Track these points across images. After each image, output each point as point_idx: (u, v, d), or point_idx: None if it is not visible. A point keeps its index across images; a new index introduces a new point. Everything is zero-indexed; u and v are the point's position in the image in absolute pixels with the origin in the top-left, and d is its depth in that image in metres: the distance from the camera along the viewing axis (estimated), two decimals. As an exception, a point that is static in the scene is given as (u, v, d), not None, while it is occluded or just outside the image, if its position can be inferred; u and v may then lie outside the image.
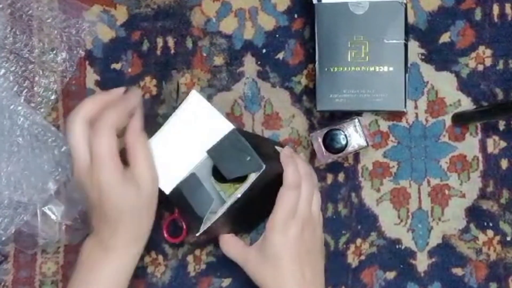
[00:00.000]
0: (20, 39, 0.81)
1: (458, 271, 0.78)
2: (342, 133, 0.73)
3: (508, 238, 0.77)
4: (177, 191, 0.67)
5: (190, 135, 0.68)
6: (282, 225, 0.68)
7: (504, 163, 0.78)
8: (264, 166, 0.65)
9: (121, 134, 0.65)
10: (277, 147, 0.74)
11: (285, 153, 0.71)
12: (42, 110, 0.81)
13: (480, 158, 0.78)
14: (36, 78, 0.82)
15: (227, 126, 0.67)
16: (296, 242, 0.69)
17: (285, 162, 0.70)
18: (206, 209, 0.66)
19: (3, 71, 0.80)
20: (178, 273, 0.81)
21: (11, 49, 0.80)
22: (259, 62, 0.81)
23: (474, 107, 0.78)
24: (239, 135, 0.66)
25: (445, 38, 0.79)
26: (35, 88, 0.82)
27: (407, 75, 0.75)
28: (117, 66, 0.83)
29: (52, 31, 0.81)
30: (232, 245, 0.74)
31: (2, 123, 0.77)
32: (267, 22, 0.81)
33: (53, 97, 0.82)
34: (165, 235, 0.79)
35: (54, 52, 0.82)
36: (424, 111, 0.79)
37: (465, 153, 0.78)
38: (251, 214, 0.75)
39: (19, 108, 0.79)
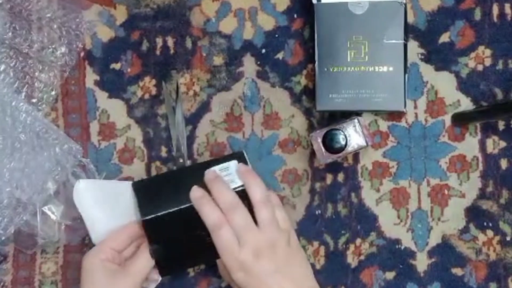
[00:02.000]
0: (20, 34, 0.81)
1: (457, 271, 0.78)
2: (342, 133, 0.73)
3: (508, 238, 0.77)
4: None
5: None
6: (235, 265, 0.66)
7: (503, 163, 0.78)
8: (140, 216, 0.70)
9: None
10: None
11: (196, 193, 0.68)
12: (43, 106, 0.81)
13: (480, 158, 0.78)
14: (36, 73, 0.82)
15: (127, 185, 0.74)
16: (266, 267, 0.66)
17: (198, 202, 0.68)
18: None
19: (3, 66, 0.80)
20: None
21: (10, 44, 0.80)
22: (258, 62, 0.81)
23: (474, 107, 0.78)
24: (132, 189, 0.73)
25: (444, 38, 0.79)
26: (36, 84, 0.81)
27: (406, 75, 0.75)
28: (116, 66, 0.83)
29: (52, 25, 0.81)
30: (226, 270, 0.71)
31: (4, 119, 0.77)
32: (267, 22, 0.81)
33: (53, 92, 0.82)
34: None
35: (54, 46, 0.82)
36: (424, 111, 0.79)
37: (464, 153, 0.78)
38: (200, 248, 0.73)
39: (21, 104, 0.79)
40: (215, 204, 0.67)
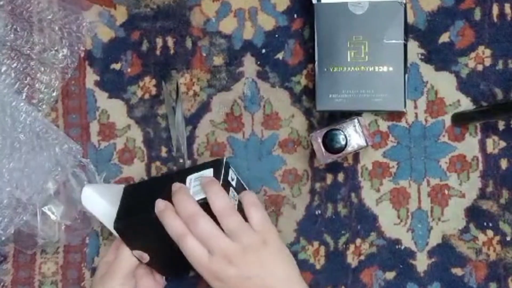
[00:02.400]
0: (21, 36, 0.81)
1: (457, 271, 0.78)
2: (342, 133, 0.73)
3: (508, 238, 0.77)
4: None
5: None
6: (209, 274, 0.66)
7: (503, 163, 0.78)
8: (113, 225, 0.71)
9: None
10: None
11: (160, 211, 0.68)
12: (43, 107, 0.81)
13: (480, 158, 0.78)
14: (38, 75, 0.82)
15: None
16: (241, 273, 0.65)
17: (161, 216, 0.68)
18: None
19: (4, 68, 0.80)
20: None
21: (12, 46, 0.80)
22: (258, 62, 0.81)
23: (474, 107, 0.78)
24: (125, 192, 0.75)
25: (444, 38, 0.79)
26: (37, 85, 0.82)
27: (406, 75, 0.75)
28: (116, 66, 0.83)
29: (53, 27, 0.81)
30: None
31: (4, 119, 0.77)
32: (267, 22, 0.81)
33: (54, 93, 0.82)
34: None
35: (55, 48, 0.82)
36: (424, 111, 0.79)
37: (464, 153, 0.78)
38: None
39: (21, 105, 0.79)
40: (177, 215, 0.67)
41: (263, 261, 0.66)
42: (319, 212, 0.80)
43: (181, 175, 0.72)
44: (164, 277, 0.78)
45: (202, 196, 0.67)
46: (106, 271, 0.73)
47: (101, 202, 0.74)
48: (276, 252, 0.67)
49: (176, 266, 0.75)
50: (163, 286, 0.77)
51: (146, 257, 0.73)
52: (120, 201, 0.73)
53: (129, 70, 0.83)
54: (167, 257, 0.73)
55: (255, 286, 0.65)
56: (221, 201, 0.66)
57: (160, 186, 0.72)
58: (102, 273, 0.73)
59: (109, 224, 0.72)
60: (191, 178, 0.71)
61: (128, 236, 0.72)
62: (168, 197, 0.68)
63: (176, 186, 0.69)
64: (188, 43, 0.82)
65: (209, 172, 0.70)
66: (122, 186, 0.77)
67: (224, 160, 0.72)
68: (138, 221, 0.71)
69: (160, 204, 0.68)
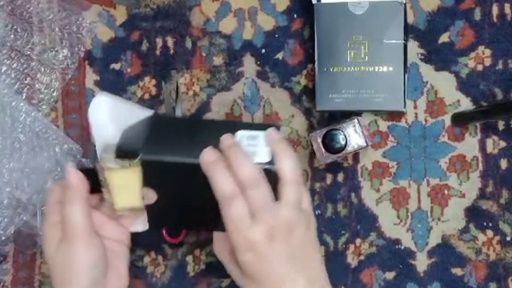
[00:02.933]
0: (21, 37, 0.81)
1: (457, 271, 0.78)
2: (342, 133, 0.73)
3: (508, 238, 0.77)
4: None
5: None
6: (242, 240, 0.57)
7: (503, 163, 0.78)
8: (140, 155, 0.61)
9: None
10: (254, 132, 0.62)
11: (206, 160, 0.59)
12: (43, 107, 0.81)
13: (480, 158, 0.78)
14: (38, 76, 0.82)
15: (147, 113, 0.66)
16: (280, 252, 0.58)
17: (208, 169, 0.58)
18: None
19: (4, 68, 0.80)
20: (177, 273, 0.81)
21: (12, 46, 0.80)
22: (258, 62, 0.81)
23: (474, 107, 0.78)
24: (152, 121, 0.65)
25: (444, 38, 0.79)
26: (37, 86, 0.82)
27: (406, 75, 0.75)
28: (116, 66, 0.83)
29: (53, 28, 0.81)
30: (222, 246, 0.64)
31: (4, 120, 0.77)
32: (267, 22, 0.81)
33: (54, 94, 0.82)
34: (165, 235, 0.79)
35: (56, 49, 0.82)
36: (424, 111, 0.79)
37: (464, 153, 0.78)
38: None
39: (21, 105, 0.79)
40: (230, 173, 0.58)
41: (304, 247, 0.60)
42: (319, 212, 0.80)
43: (228, 127, 0.62)
44: (140, 227, 0.67)
45: (261, 161, 0.59)
46: (60, 236, 0.61)
47: (105, 116, 0.64)
48: (315, 241, 0.63)
49: (180, 219, 0.68)
50: (129, 233, 0.67)
51: (152, 198, 0.63)
52: (149, 129, 0.63)
53: (129, 70, 0.83)
54: (177, 207, 0.65)
55: (287, 272, 0.58)
56: (294, 166, 0.59)
57: (201, 131, 0.63)
58: (55, 241, 0.61)
59: (101, 147, 0.63)
60: (243, 135, 0.61)
61: (147, 170, 0.61)
62: (214, 146, 0.60)
63: (228, 140, 0.60)
64: (188, 43, 0.82)
65: (263, 135, 0.61)
66: (149, 111, 0.67)
67: (281, 127, 0.63)
68: (171, 161, 0.61)
69: (211, 155, 0.59)
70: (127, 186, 0.62)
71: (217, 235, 0.65)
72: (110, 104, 0.65)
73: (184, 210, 0.65)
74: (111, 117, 0.65)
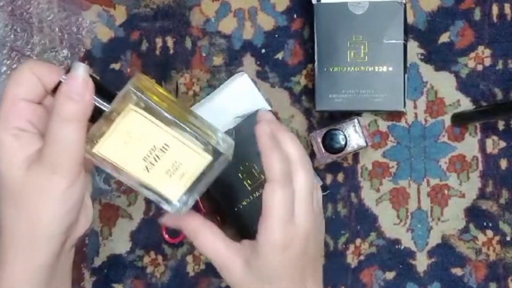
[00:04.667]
0: (21, 37, 0.81)
1: (457, 271, 0.78)
2: (342, 133, 0.73)
3: (508, 238, 0.77)
4: None
5: (228, 113, 0.71)
6: (281, 240, 0.52)
7: (503, 163, 0.78)
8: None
9: None
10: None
11: (263, 131, 0.51)
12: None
13: (480, 158, 0.78)
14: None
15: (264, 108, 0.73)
16: (299, 257, 0.53)
17: (265, 145, 0.51)
18: None
19: (4, 68, 0.80)
20: (177, 273, 0.81)
21: (12, 46, 0.80)
22: (258, 62, 0.81)
23: (474, 107, 0.78)
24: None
25: (444, 38, 0.79)
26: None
27: (406, 75, 0.75)
28: (116, 66, 0.83)
29: (53, 28, 0.81)
30: (209, 240, 0.54)
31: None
32: (266, 22, 0.81)
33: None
34: (165, 235, 0.79)
35: (56, 50, 0.82)
36: (424, 111, 0.79)
37: (464, 153, 0.78)
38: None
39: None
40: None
41: (319, 247, 0.58)
42: (319, 212, 0.79)
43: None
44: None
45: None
46: (32, 156, 0.46)
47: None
48: (323, 241, 0.62)
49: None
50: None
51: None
52: None
53: (128, 70, 0.83)
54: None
55: (303, 273, 0.55)
56: (299, 148, 0.55)
57: None
58: (20, 158, 0.46)
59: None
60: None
61: None
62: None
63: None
64: (188, 43, 0.82)
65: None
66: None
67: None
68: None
69: (267, 128, 0.53)
70: (132, 144, 0.49)
71: (198, 227, 0.55)
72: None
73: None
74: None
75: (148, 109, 0.47)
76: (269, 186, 0.51)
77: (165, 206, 0.50)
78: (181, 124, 0.48)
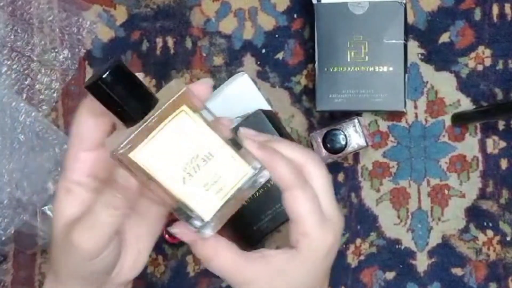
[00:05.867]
0: (22, 38, 0.81)
1: (457, 271, 0.78)
2: (342, 133, 0.73)
3: (508, 238, 0.77)
4: None
5: (229, 113, 0.65)
6: (323, 244, 0.47)
7: (503, 163, 0.78)
8: None
9: None
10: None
11: (253, 147, 0.46)
12: (43, 108, 0.81)
13: (480, 158, 0.78)
14: (38, 76, 0.82)
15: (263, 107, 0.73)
16: (329, 259, 0.49)
17: (265, 158, 0.46)
18: None
19: (4, 69, 0.80)
20: (177, 273, 0.81)
21: (12, 47, 0.80)
22: (258, 62, 0.81)
23: (474, 107, 0.78)
24: (263, 116, 0.72)
25: (444, 38, 0.79)
26: (37, 86, 0.82)
27: (406, 75, 0.75)
28: (116, 66, 0.83)
29: (53, 29, 0.82)
30: (224, 252, 0.47)
31: (4, 120, 0.77)
32: (267, 22, 0.81)
33: (54, 95, 0.82)
34: (165, 235, 0.79)
35: (56, 50, 0.82)
36: (424, 111, 0.79)
37: (464, 153, 0.78)
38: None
39: (21, 105, 0.79)
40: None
41: None
42: (319, 212, 0.79)
43: None
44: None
45: None
46: (78, 213, 0.45)
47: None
48: None
49: None
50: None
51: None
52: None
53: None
54: None
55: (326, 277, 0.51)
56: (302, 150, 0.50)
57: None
58: (68, 216, 0.46)
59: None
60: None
61: None
62: None
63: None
64: (188, 43, 0.82)
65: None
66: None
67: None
68: None
69: (263, 151, 0.46)
70: (175, 151, 0.43)
71: (208, 242, 0.47)
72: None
73: None
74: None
75: (197, 113, 0.43)
76: (288, 194, 0.46)
77: (194, 222, 0.44)
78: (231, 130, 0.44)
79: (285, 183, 0.46)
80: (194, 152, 0.43)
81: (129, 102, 0.41)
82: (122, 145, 0.41)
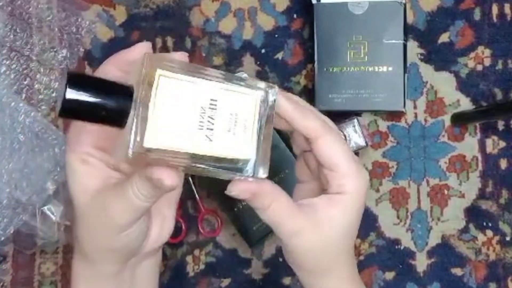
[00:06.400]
0: (21, 37, 0.81)
1: (457, 271, 0.78)
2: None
3: (507, 238, 0.77)
4: None
5: None
6: (364, 185, 0.48)
7: (503, 163, 0.78)
8: None
9: None
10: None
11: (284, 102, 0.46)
12: (42, 108, 0.81)
13: (479, 158, 0.78)
14: (37, 76, 0.82)
15: None
16: (364, 204, 0.49)
17: (295, 111, 0.46)
18: None
19: (4, 68, 0.80)
20: (177, 273, 0.81)
21: (11, 47, 0.80)
22: (258, 62, 0.81)
23: (473, 107, 0.78)
24: None
25: (444, 38, 0.79)
26: (36, 86, 0.82)
27: (406, 75, 0.75)
28: (116, 66, 0.83)
29: (52, 28, 0.81)
30: (282, 199, 0.46)
31: (3, 120, 0.77)
32: (266, 22, 0.81)
33: (53, 95, 0.82)
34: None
35: (55, 50, 0.82)
36: (423, 111, 0.79)
37: (464, 153, 0.78)
38: None
39: (20, 105, 0.79)
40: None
41: None
42: (319, 212, 0.79)
43: None
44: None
45: None
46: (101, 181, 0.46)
47: None
48: None
49: None
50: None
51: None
52: None
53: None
54: None
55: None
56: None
57: None
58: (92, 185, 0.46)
59: None
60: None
61: None
62: None
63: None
64: (188, 43, 0.82)
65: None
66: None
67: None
68: None
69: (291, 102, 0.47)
70: (181, 117, 0.41)
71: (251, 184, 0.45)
72: None
73: None
74: None
75: (174, 69, 0.40)
76: (322, 141, 0.47)
77: (244, 170, 0.42)
78: (217, 70, 0.42)
79: (317, 131, 0.46)
80: (198, 107, 0.41)
81: (107, 104, 0.39)
82: (131, 144, 0.39)
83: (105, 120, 0.40)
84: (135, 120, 0.39)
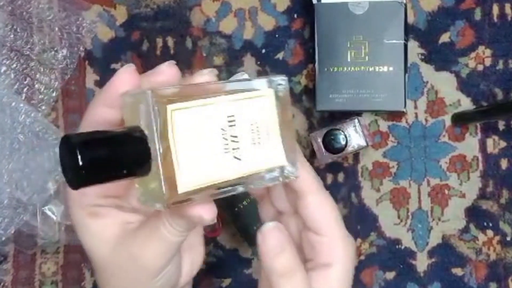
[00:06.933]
0: (21, 37, 0.81)
1: (458, 271, 0.78)
2: (342, 133, 0.73)
3: (508, 238, 0.77)
4: None
5: None
6: (353, 254, 0.48)
7: (503, 163, 0.78)
8: None
9: None
10: None
11: None
12: (43, 107, 0.81)
13: (480, 158, 0.78)
14: (37, 76, 0.82)
15: None
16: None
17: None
18: None
19: (4, 68, 0.80)
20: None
21: (12, 46, 0.80)
22: (258, 62, 0.81)
23: (474, 107, 0.78)
24: None
25: (444, 38, 0.79)
26: (36, 86, 0.82)
27: (406, 75, 0.75)
28: (116, 66, 0.83)
29: (53, 28, 0.81)
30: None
31: (3, 120, 0.77)
32: (267, 22, 0.81)
33: (54, 94, 0.82)
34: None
35: (55, 49, 0.82)
36: (424, 111, 0.79)
37: (464, 153, 0.78)
38: None
39: (21, 105, 0.79)
40: None
41: None
42: (319, 212, 0.79)
43: None
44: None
45: None
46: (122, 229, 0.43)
47: None
48: None
49: None
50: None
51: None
52: None
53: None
54: None
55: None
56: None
57: None
58: (111, 235, 0.43)
59: None
60: None
61: None
62: None
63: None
64: (188, 43, 0.82)
65: None
66: None
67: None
68: None
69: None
70: (204, 147, 0.38)
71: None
72: None
73: None
74: None
75: (182, 98, 0.36)
76: (314, 198, 0.44)
77: (286, 171, 0.41)
78: (222, 82, 0.40)
79: (311, 187, 0.44)
80: (218, 130, 0.38)
81: (124, 155, 0.35)
82: (165, 196, 0.35)
83: (128, 173, 0.35)
84: (159, 166, 0.35)
